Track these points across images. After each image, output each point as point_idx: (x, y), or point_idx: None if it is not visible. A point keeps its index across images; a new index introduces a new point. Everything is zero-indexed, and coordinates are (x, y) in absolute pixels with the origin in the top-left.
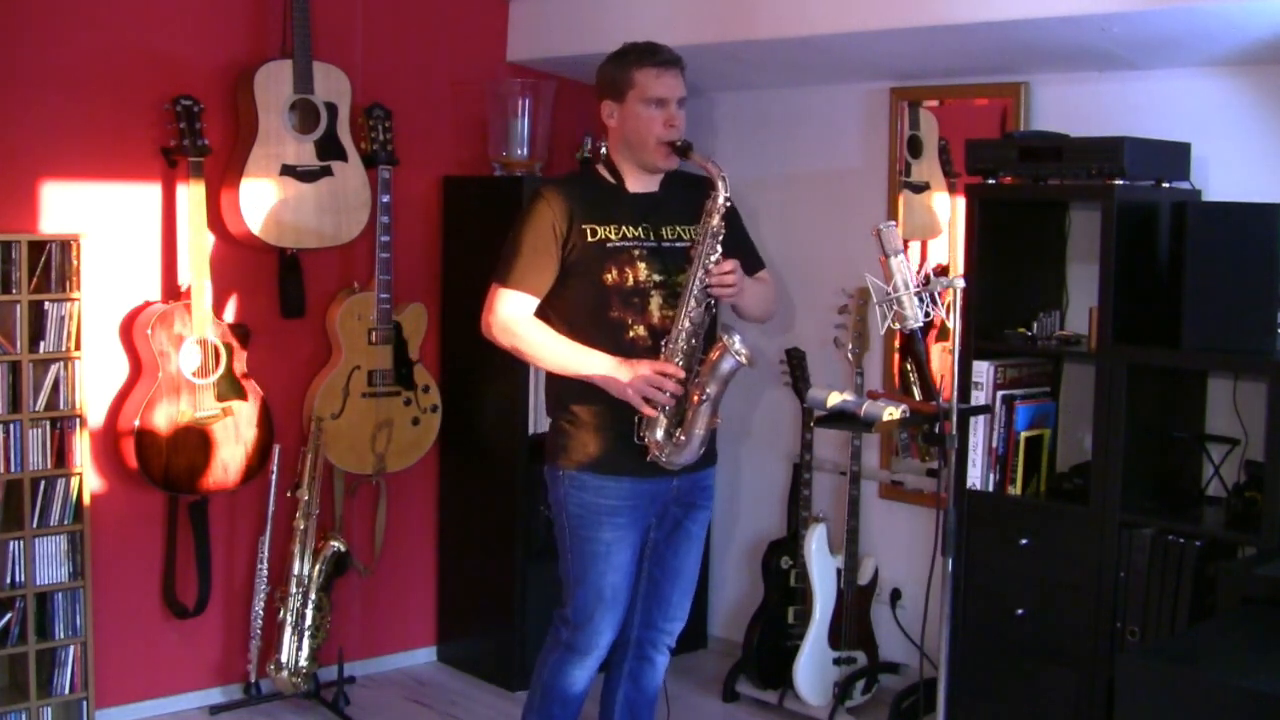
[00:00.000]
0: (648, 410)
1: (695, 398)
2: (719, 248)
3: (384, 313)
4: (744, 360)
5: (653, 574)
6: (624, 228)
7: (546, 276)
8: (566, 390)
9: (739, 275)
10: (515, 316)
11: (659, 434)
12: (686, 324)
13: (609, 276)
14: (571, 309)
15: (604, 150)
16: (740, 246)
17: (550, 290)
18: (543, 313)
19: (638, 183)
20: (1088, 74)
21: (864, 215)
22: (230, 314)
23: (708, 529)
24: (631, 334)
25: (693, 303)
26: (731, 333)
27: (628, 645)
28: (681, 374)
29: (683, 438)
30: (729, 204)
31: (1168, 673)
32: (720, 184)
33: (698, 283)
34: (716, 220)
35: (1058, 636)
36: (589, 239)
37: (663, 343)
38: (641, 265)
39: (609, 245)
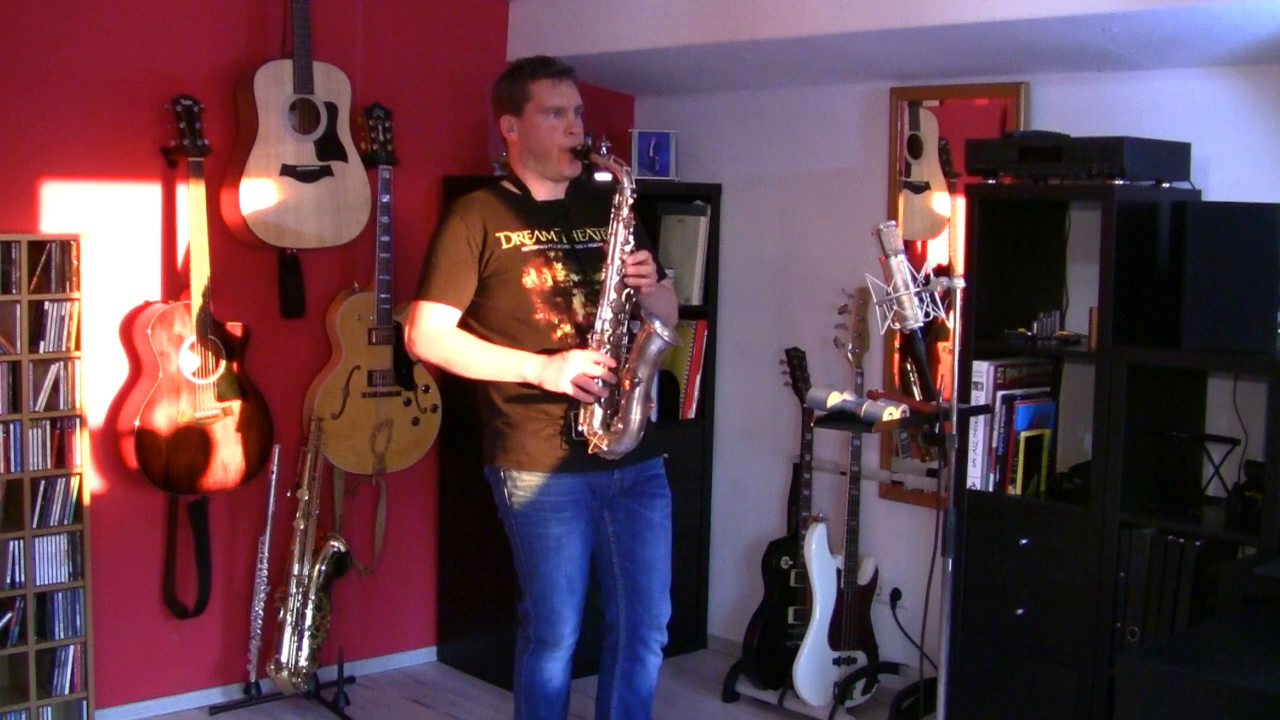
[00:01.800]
0: (584, 398)
1: (627, 384)
2: (631, 239)
3: (384, 313)
4: (668, 338)
5: (625, 568)
6: (537, 232)
7: (466, 289)
8: (498, 392)
9: (652, 266)
10: (439, 329)
11: (596, 424)
12: (608, 313)
13: (528, 280)
14: (498, 317)
15: (497, 165)
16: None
17: (476, 303)
18: (471, 327)
19: (544, 191)
20: (1088, 74)
21: (864, 215)
22: (230, 314)
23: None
24: (560, 333)
25: (612, 293)
26: (652, 317)
27: (618, 648)
28: (612, 362)
29: (620, 426)
30: (635, 196)
31: (1168, 673)
32: (625, 180)
33: (615, 273)
34: (626, 212)
35: (1058, 636)
36: (504, 245)
37: (589, 335)
38: (559, 266)
39: (525, 250)
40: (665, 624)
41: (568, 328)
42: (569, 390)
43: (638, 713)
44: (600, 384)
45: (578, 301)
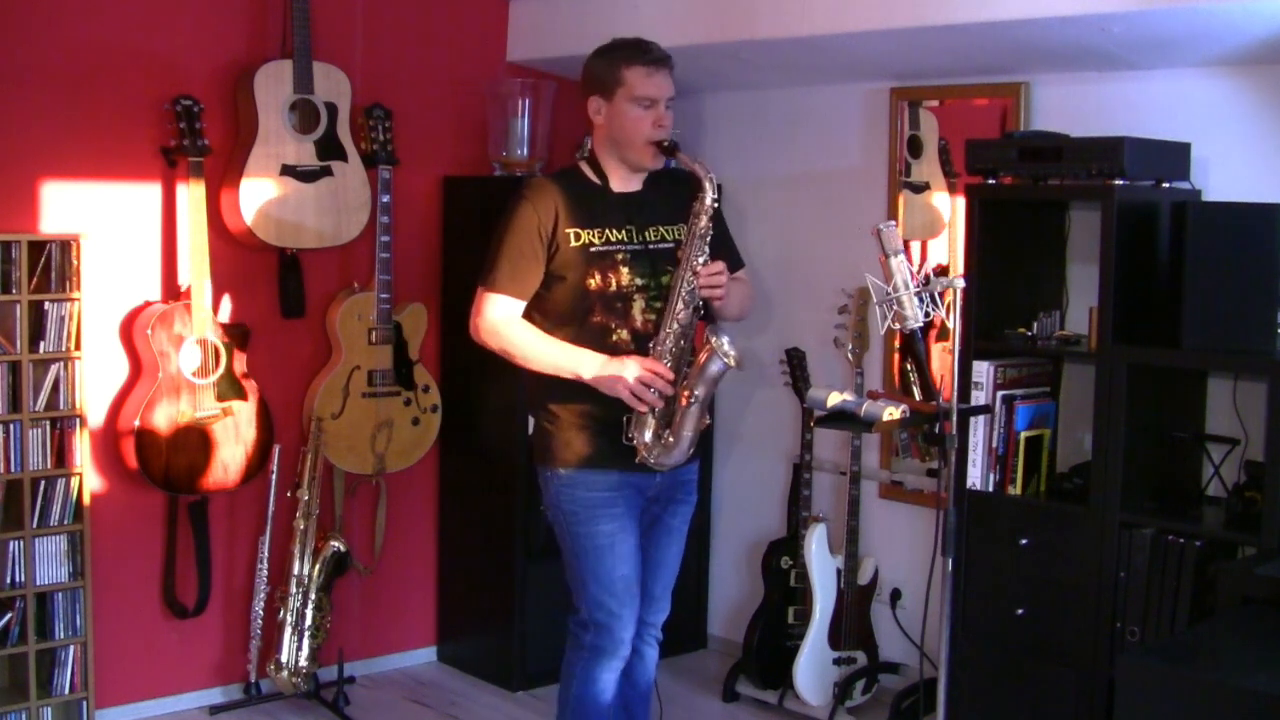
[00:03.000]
0: (639, 407)
1: (684, 399)
2: (706, 249)
3: (384, 313)
4: (732, 362)
5: None
6: (608, 231)
7: (532, 280)
8: (544, 390)
9: (725, 277)
10: (503, 319)
11: (648, 435)
12: (674, 326)
13: (592, 281)
14: (555, 312)
15: (589, 145)
16: (722, 245)
17: (536, 292)
18: (526, 314)
19: (622, 181)
20: (1088, 74)
21: (864, 215)
22: (230, 314)
23: (692, 523)
24: (615, 338)
25: (680, 305)
26: (720, 334)
27: None
28: (671, 375)
29: (671, 439)
30: (716, 205)
31: (1168, 673)
32: (708, 185)
33: (685, 285)
34: (704, 222)
35: (1058, 636)
36: (572, 243)
37: (650, 344)
38: (625, 270)
39: (593, 250)
40: (662, 622)
41: (624, 333)
42: (624, 396)
43: (637, 706)
44: (656, 394)
45: (637, 308)
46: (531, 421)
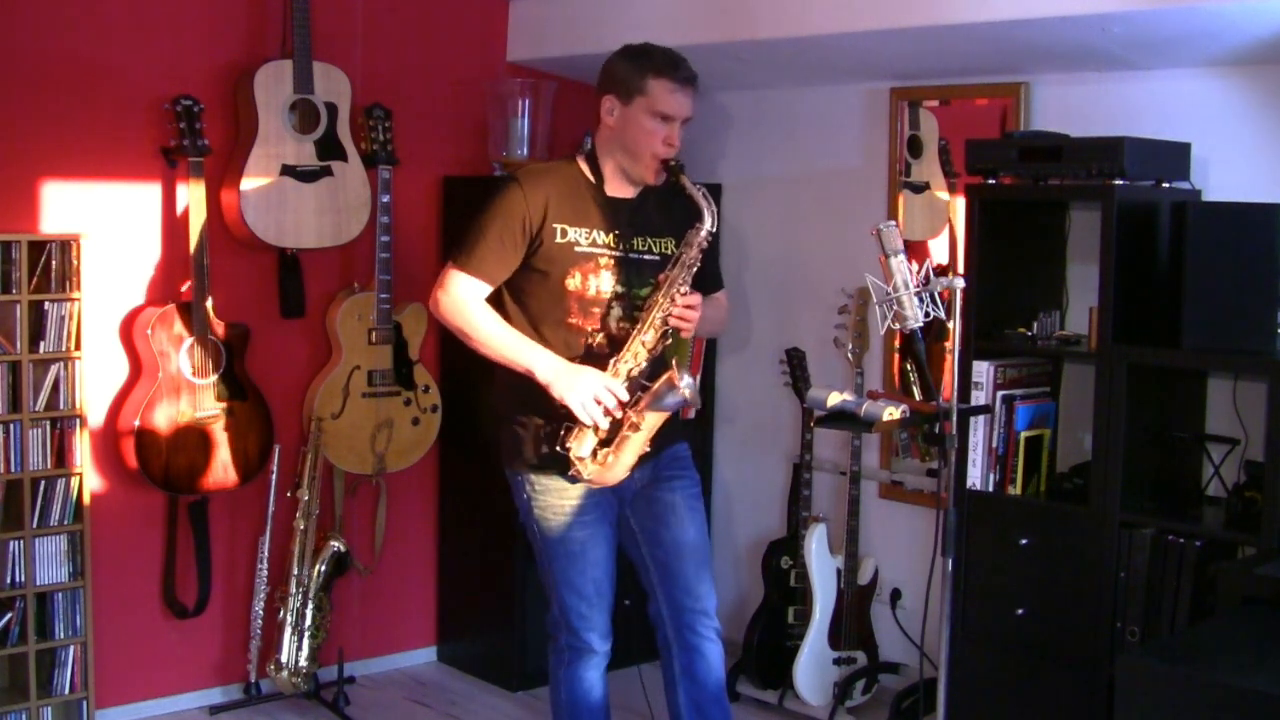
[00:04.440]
0: (584, 420)
1: (630, 423)
2: (690, 280)
3: (384, 313)
4: (688, 398)
5: (655, 556)
6: (595, 233)
7: (506, 268)
8: (518, 393)
9: (699, 312)
10: (467, 300)
11: (584, 449)
12: (640, 349)
13: (571, 282)
14: (531, 307)
15: (588, 143)
16: (707, 264)
17: (512, 283)
18: (502, 302)
19: (616, 186)
20: (1088, 74)
21: (864, 215)
22: (230, 314)
23: (705, 504)
24: (590, 340)
25: (651, 331)
26: (681, 371)
27: (670, 643)
28: (625, 397)
29: (611, 459)
30: (712, 237)
31: (1168, 673)
32: (708, 217)
33: (660, 311)
34: (695, 253)
35: (1058, 636)
36: (557, 239)
37: (612, 360)
38: (606, 274)
39: (577, 250)
40: (711, 609)
41: (600, 337)
42: (572, 406)
43: (710, 707)
44: (603, 410)
45: (614, 315)
46: (499, 423)
